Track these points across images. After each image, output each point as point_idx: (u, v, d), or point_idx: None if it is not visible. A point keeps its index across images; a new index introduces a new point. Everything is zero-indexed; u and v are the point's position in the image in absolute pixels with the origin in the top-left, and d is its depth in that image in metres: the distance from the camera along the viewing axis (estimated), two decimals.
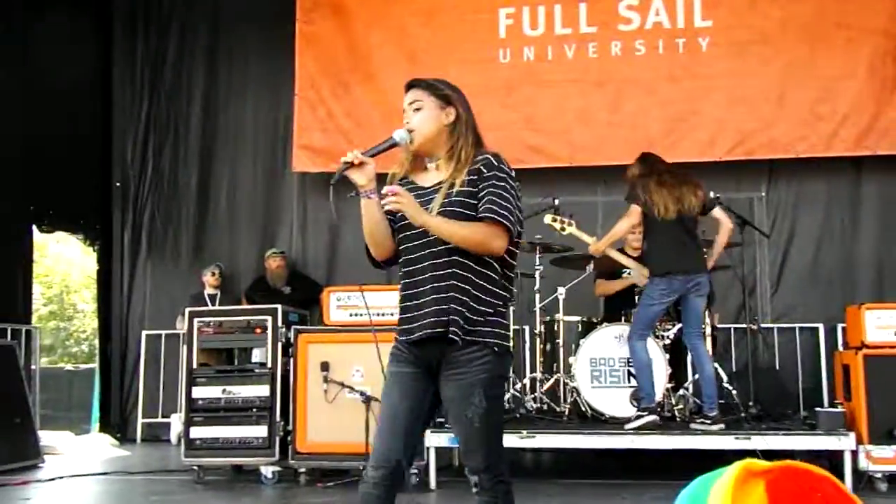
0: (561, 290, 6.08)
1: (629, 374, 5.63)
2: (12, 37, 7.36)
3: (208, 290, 8.04)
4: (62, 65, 7.92)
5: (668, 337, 5.84)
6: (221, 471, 5.92)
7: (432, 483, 5.19)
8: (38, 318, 14.80)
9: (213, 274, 8.05)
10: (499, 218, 2.39)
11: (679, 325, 5.78)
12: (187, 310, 5.94)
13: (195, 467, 5.67)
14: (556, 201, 6.08)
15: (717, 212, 5.47)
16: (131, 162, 8.81)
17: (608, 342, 5.74)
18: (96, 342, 9.24)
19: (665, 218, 5.22)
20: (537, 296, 6.16)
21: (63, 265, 19.21)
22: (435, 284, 2.41)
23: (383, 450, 2.43)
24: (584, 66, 7.78)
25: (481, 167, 2.46)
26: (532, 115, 7.82)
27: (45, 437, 7.21)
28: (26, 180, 7.34)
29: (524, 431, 5.22)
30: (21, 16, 7.43)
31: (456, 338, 2.37)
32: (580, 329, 6.08)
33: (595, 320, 6.18)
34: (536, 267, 6.14)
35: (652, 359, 5.35)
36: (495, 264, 2.46)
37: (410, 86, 2.60)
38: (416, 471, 5.27)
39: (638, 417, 5.20)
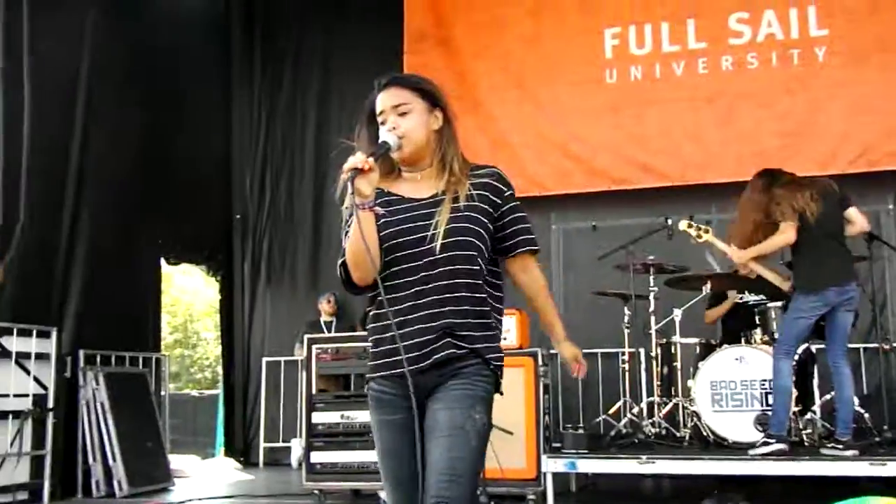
0: (677, 312, 5.95)
1: (753, 397, 5.43)
2: (149, 79, 7.80)
3: (324, 318, 8.26)
4: (188, 104, 8.36)
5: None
6: (340, 495, 6.03)
7: None
8: (164, 346, 15.49)
9: (329, 301, 8.27)
10: (536, 247, 2.31)
11: (805, 346, 5.55)
12: (305, 337, 6.11)
13: (316, 491, 5.79)
14: (669, 221, 5.97)
15: (852, 212, 5.12)
16: (250, 195, 9.19)
17: (728, 364, 5.55)
18: (219, 369, 9.60)
19: (813, 225, 4.99)
20: (652, 318, 6.04)
21: (187, 295, 20.09)
22: (437, 309, 2.13)
23: None
24: (694, 82, 7.65)
25: (495, 183, 2.25)
26: (641, 134, 7.74)
27: (174, 460, 7.54)
28: (155, 215, 7.74)
29: (643, 457, 5.10)
30: (152, 56, 7.86)
31: (463, 351, 2.13)
32: (698, 351, 5.92)
33: (713, 342, 6.01)
34: (651, 288, 6.03)
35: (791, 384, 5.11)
36: (495, 285, 2.27)
37: (391, 83, 2.27)
38: (533, 497, 5.23)
39: (765, 444, 4.98)
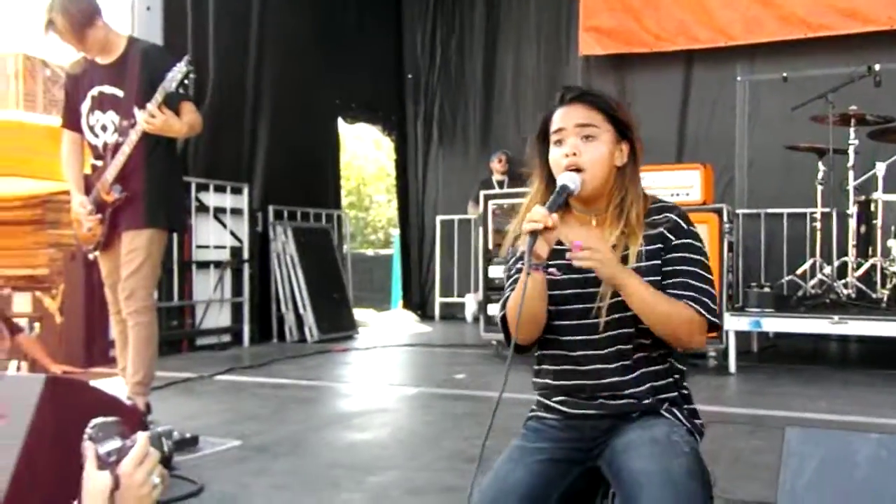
0: (880, 166, 5.48)
1: None
2: None
3: (496, 177, 8.25)
4: None
5: None
6: None
7: (731, 367, 5.05)
8: None
9: (500, 160, 8.23)
10: (703, 311, 1.75)
11: None
12: (482, 193, 6.14)
13: (493, 342, 5.97)
14: (878, 67, 5.43)
15: None
16: (420, 55, 9.17)
17: None
18: (391, 230, 9.92)
19: None
20: (851, 173, 5.60)
21: (358, 160, 20.70)
22: (604, 377, 1.79)
23: None
24: None
25: (665, 232, 1.82)
26: None
27: (356, 313, 7.96)
28: (332, 75, 7.88)
29: (835, 317, 4.87)
30: None
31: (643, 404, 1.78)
32: None
33: None
34: (851, 141, 5.57)
35: None
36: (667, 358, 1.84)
37: (580, 99, 1.84)
38: (714, 354, 5.16)
39: None
